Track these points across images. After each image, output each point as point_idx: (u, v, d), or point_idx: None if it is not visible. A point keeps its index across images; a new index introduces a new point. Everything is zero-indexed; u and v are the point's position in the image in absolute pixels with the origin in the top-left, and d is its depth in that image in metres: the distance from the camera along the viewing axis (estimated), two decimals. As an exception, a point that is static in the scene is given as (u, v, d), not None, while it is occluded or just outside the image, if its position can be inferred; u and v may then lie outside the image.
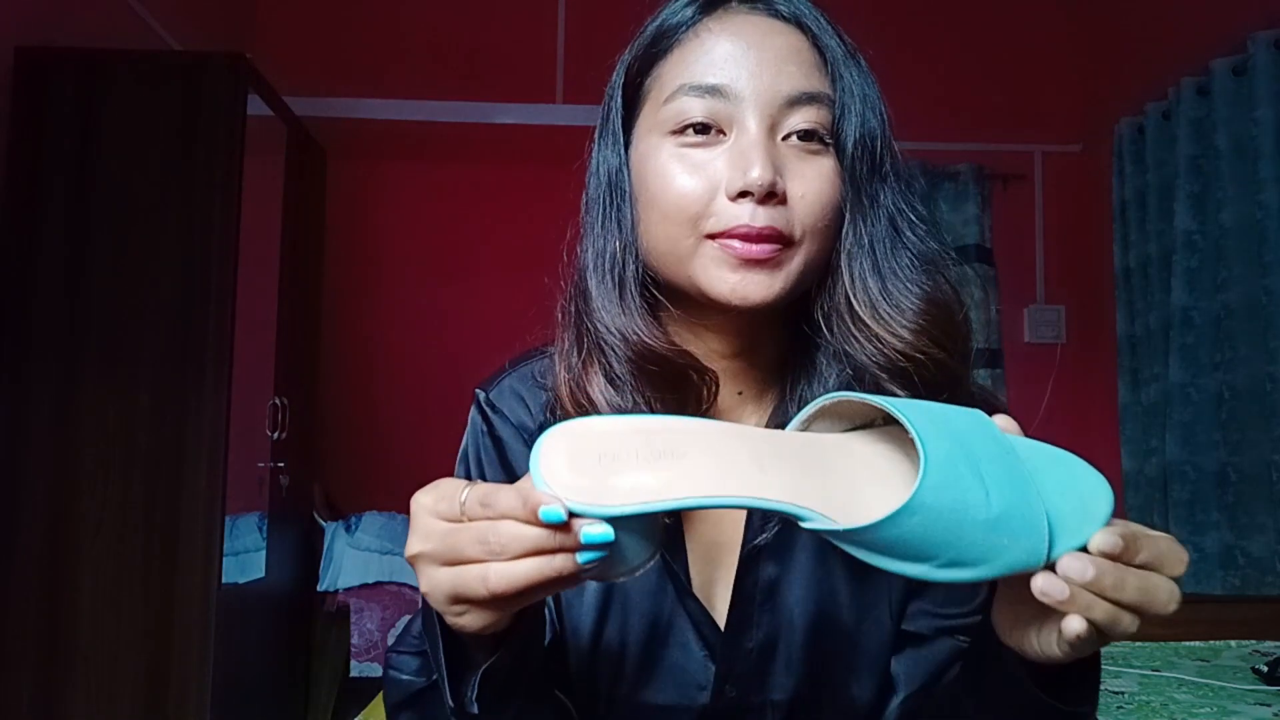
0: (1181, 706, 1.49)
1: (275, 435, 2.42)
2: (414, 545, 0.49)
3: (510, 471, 0.71)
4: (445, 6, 3.31)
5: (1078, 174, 3.29)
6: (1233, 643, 1.95)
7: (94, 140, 2.08)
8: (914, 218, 0.65)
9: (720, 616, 0.68)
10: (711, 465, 0.47)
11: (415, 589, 2.72)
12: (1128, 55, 3.11)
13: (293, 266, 2.55)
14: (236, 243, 2.09)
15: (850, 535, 0.47)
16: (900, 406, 0.49)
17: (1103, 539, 0.46)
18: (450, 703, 0.54)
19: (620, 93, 0.68)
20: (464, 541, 0.46)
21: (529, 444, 0.68)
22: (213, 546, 2.02)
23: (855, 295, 0.62)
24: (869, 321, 0.61)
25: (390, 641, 2.69)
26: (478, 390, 0.75)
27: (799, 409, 0.56)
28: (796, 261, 0.62)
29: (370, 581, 2.70)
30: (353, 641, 2.69)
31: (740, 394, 0.70)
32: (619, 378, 0.63)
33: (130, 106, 2.10)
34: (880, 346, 0.61)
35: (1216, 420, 2.46)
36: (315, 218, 2.80)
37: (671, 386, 0.63)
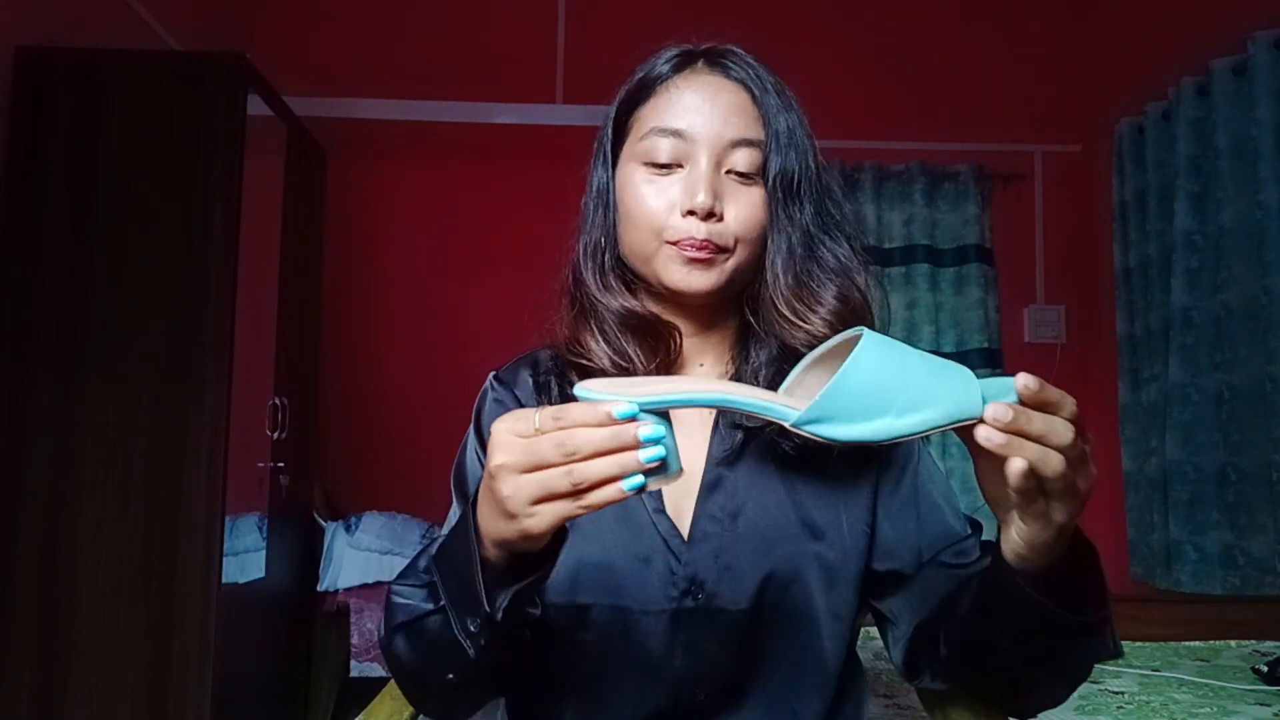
0: (1181, 706, 1.49)
1: (275, 435, 2.42)
2: (496, 459, 0.59)
3: None
4: (445, 6, 3.31)
5: (1078, 174, 3.29)
6: (1233, 643, 1.95)
7: (94, 140, 2.08)
8: (828, 235, 0.84)
9: (688, 534, 0.81)
10: (711, 383, 0.63)
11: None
12: (1128, 55, 3.11)
13: (293, 266, 2.55)
14: (236, 243, 2.09)
15: (816, 408, 0.56)
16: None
17: (1020, 379, 0.58)
18: (485, 607, 0.65)
19: (612, 124, 0.87)
20: (544, 449, 0.57)
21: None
22: (213, 546, 2.02)
23: (776, 293, 0.81)
24: (787, 313, 0.81)
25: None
26: (490, 374, 0.91)
27: (747, 380, 0.81)
28: (731, 263, 0.81)
29: (370, 581, 2.69)
30: (353, 641, 2.69)
31: (701, 365, 0.89)
32: (607, 332, 0.83)
33: (130, 106, 2.10)
34: (798, 331, 0.80)
35: (1216, 420, 2.46)
36: (315, 218, 2.80)
37: (646, 335, 0.83)
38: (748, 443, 0.82)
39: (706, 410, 0.83)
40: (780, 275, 0.81)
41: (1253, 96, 2.33)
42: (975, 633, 0.73)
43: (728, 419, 0.83)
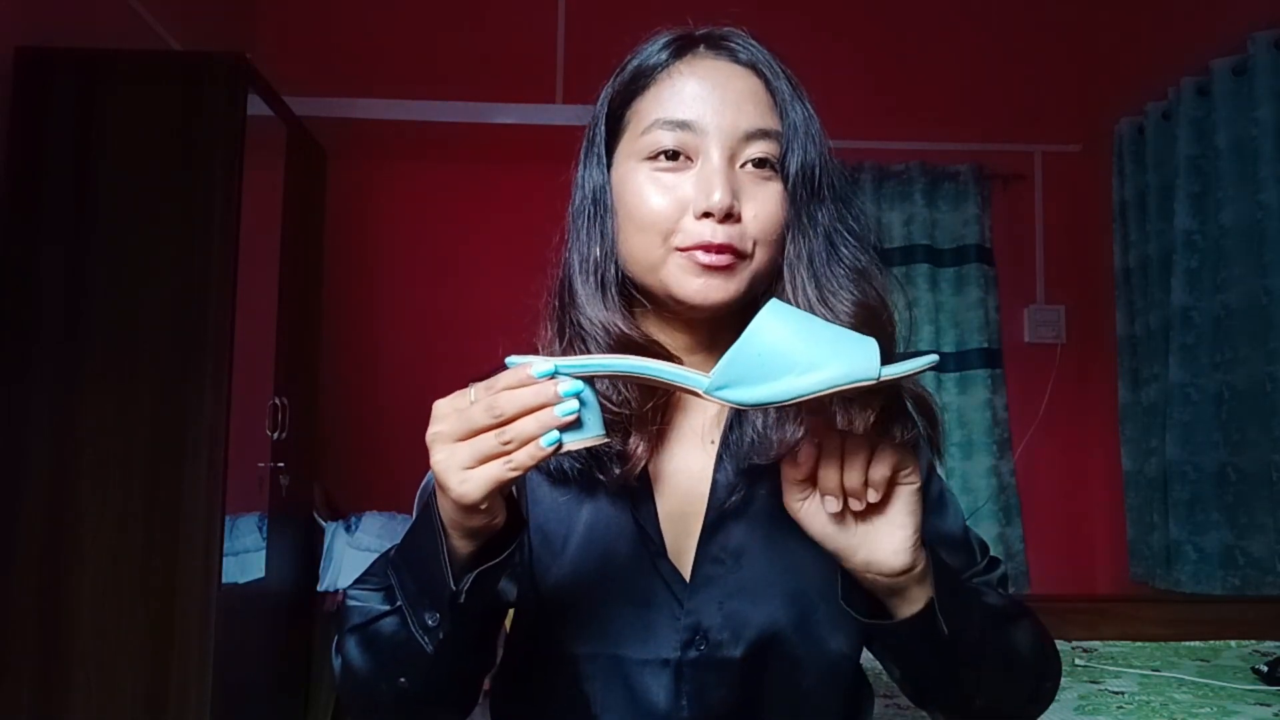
0: (1181, 706, 1.49)
1: (275, 435, 2.42)
2: (432, 429, 0.60)
3: None
4: (445, 7, 3.31)
5: (1078, 174, 3.29)
6: (1233, 643, 1.95)
7: (94, 140, 2.08)
8: (849, 234, 0.76)
9: (689, 577, 0.77)
10: (628, 356, 0.63)
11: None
12: (1128, 55, 3.11)
13: (293, 266, 2.55)
14: (236, 243, 2.09)
15: (721, 373, 0.58)
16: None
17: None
18: (451, 586, 0.64)
19: (604, 121, 0.78)
20: (475, 415, 0.58)
21: None
22: (213, 546, 2.02)
23: (795, 299, 0.73)
24: None
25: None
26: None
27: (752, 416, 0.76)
28: (750, 269, 0.73)
29: (370, 581, 2.69)
30: (353, 641, 2.69)
31: None
32: None
33: (130, 106, 2.09)
34: None
35: (1216, 420, 2.46)
36: (315, 218, 2.80)
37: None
38: (752, 481, 0.76)
39: (710, 447, 0.79)
40: (804, 282, 0.74)
41: (1253, 96, 2.33)
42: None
43: (730, 456, 0.77)
